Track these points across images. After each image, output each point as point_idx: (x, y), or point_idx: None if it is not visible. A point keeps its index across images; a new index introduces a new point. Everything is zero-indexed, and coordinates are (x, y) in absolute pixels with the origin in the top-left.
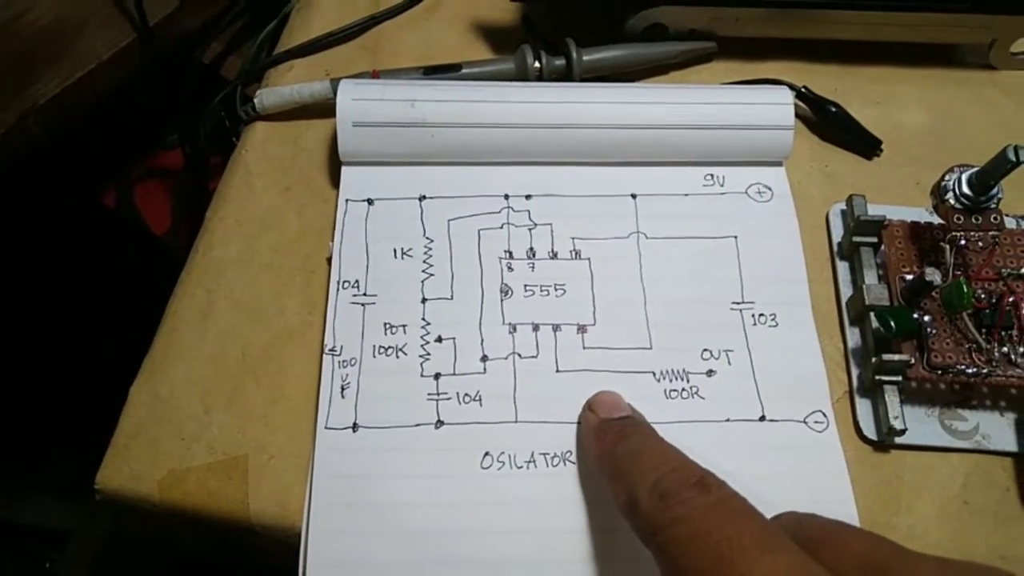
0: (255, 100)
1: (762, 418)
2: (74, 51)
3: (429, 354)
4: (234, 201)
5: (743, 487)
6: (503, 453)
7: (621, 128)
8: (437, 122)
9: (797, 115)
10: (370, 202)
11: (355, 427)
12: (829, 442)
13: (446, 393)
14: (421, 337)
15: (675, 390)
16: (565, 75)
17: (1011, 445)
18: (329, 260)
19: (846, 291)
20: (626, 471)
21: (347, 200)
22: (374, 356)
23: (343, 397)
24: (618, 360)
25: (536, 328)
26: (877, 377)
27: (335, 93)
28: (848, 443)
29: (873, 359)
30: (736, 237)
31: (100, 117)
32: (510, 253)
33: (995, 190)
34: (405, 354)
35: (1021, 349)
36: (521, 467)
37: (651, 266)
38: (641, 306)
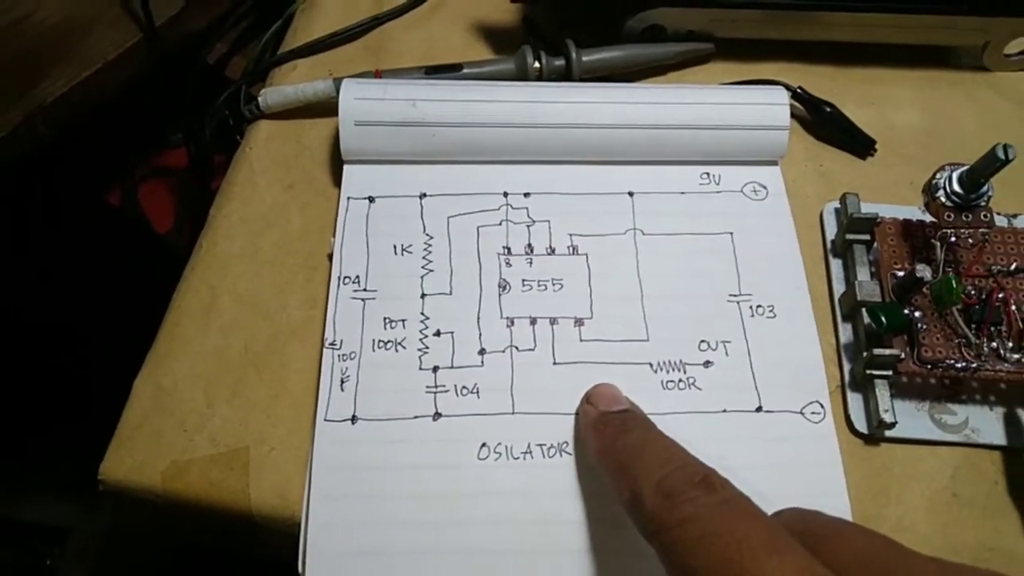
0: (259, 99)
1: (759, 409)
2: (81, 51)
3: (428, 348)
4: (238, 198)
5: (739, 478)
6: (500, 444)
7: (619, 128)
8: (438, 121)
9: (793, 115)
10: (371, 200)
11: (354, 419)
12: (825, 432)
13: (444, 386)
14: (420, 331)
15: (672, 381)
16: (565, 75)
17: (1000, 439)
18: (330, 256)
19: (839, 288)
20: (628, 467)
21: (348, 198)
22: (373, 350)
23: (343, 390)
24: (615, 352)
25: (533, 322)
26: (868, 371)
27: (338, 92)
28: (840, 436)
29: (864, 354)
30: (732, 234)
31: (106, 116)
32: (508, 249)
33: (985, 188)
34: (404, 348)
35: (1010, 344)
36: (518, 458)
37: (648, 261)
38: (638, 300)
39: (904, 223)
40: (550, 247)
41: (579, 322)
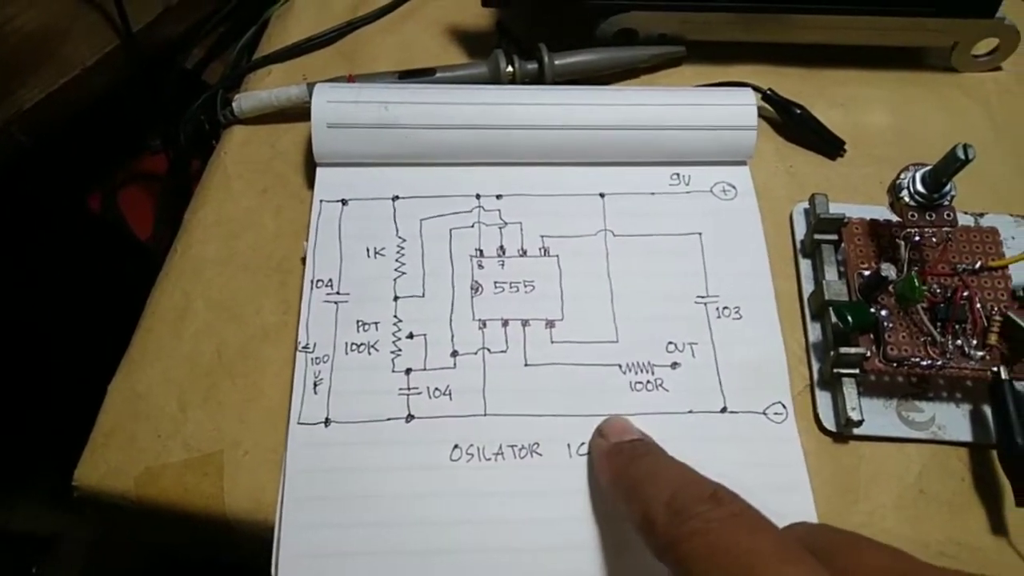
0: (233, 104)
1: (723, 409)
2: (59, 57)
3: (400, 350)
4: (212, 202)
5: None
6: (472, 446)
7: (589, 129)
8: (410, 124)
9: (763, 117)
10: (344, 202)
11: (327, 422)
12: (787, 433)
13: (416, 388)
14: (393, 334)
15: (640, 382)
16: (537, 79)
17: (966, 435)
18: (304, 260)
19: (808, 287)
20: (640, 490)
21: (321, 200)
22: (346, 353)
23: (315, 393)
24: (585, 353)
25: (505, 324)
26: (836, 370)
27: (311, 97)
28: (808, 434)
29: (832, 353)
30: (701, 234)
31: (85, 122)
32: (481, 251)
33: (948, 187)
34: (377, 350)
35: (974, 342)
36: (490, 459)
37: (618, 262)
38: (608, 301)
39: (871, 223)
40: (522, 249)
41: (550, 324)
